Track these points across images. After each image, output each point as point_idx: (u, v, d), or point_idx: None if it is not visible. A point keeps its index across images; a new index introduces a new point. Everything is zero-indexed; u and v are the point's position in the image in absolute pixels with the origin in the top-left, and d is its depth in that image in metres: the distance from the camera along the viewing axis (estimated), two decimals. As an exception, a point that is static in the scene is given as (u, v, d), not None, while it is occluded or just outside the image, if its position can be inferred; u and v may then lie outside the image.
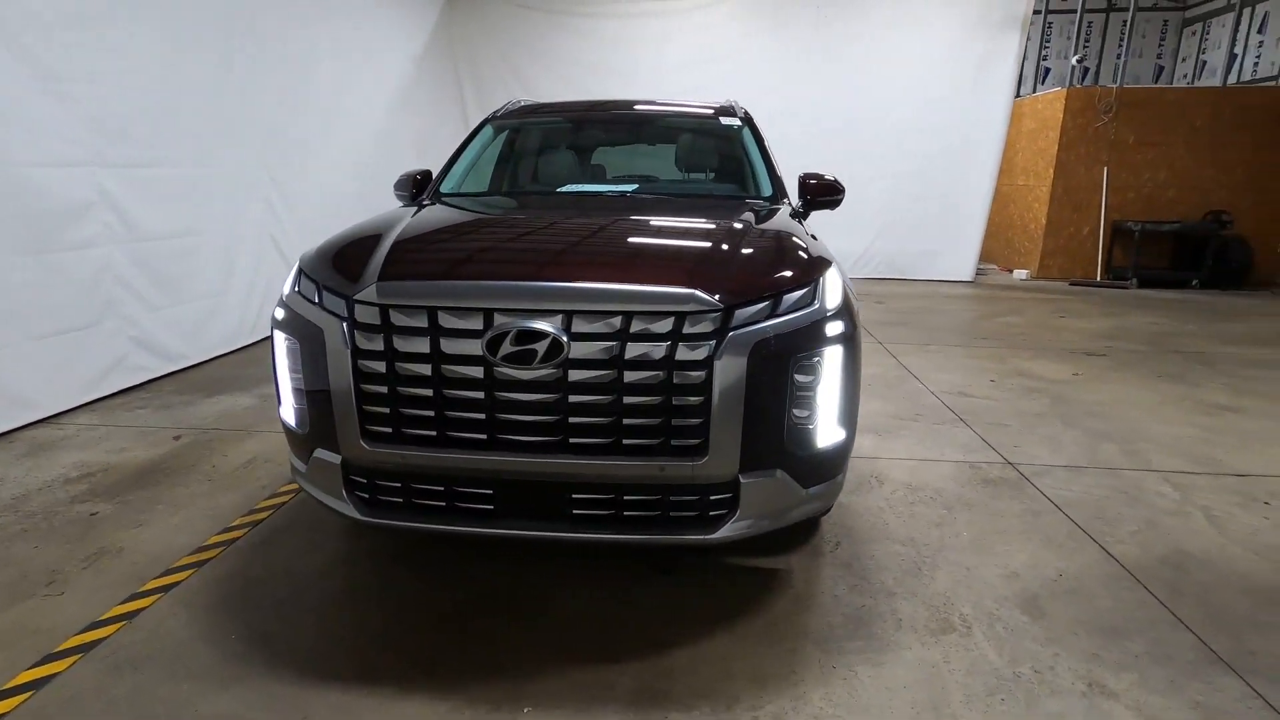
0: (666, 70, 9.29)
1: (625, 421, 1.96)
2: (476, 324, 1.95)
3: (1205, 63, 10.74)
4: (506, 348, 1.92)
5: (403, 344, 2.00)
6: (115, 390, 4.41)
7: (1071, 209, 9.39)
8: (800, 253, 2.32)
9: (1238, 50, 9.71)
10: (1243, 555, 2.70)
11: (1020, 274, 9.92)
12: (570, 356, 1.92)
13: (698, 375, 1.93)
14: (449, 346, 1.97)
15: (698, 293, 1.96)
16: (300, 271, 2.31)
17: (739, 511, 2.05)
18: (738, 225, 2.54)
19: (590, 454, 1.99)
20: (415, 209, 2.98)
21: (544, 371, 1.93)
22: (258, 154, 5.75)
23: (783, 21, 9.14)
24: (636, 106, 4.02)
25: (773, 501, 2.11)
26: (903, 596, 2.41)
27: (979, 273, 9.73)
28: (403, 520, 2.14)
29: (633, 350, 1.93)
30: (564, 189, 3.45)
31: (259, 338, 5.80)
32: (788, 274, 2.15)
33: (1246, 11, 9.68)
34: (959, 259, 9.39)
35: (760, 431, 2.01)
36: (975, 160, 9.03)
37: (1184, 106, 9.04)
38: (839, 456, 2.25)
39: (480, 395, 1.98)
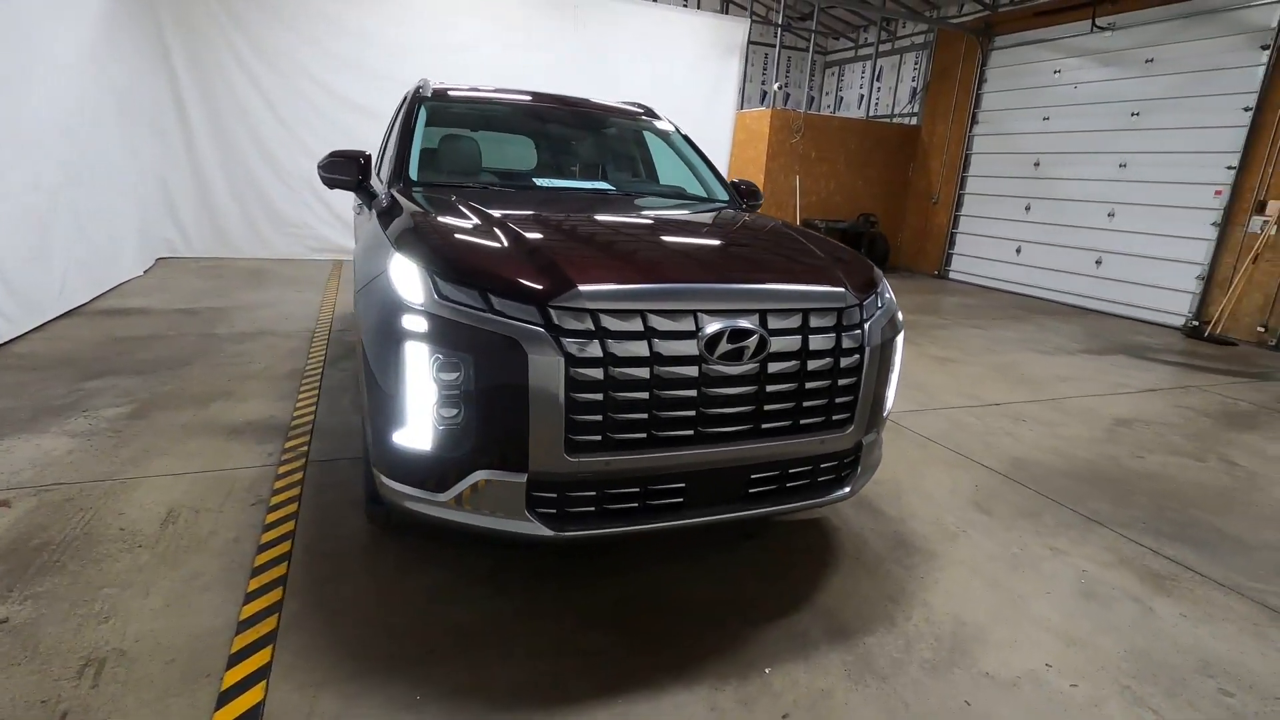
0: (418, 49, 8.79)
1: (804, 404, 2.25)
2: (689, 325, 2.04)
3: (843, 98, 14.04)
4: (723, 346, 2.05)
5: (618, 348, 1.97)
6: None
7: (776, 209, 11.52)
8: (856, 253, 2.82)
9: (864, 92, 12.93)
10: (1043, 456, 4.04)
11: (741, 262, 11.84)
12: (771, 351, 2.13)
13: (855, 359, 2.31)
14: (665, 348, 2.01)
15: (846, 290, 2.33)
16: (434, 274, 2.03)
17: (860, 469, 2.50)
18: (791, 229, 2.93)
19: (776, 436, 2.23)
20: (438, 199, 2.71)
21: (750, 366, 2.11)
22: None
23: (542, 26, 9.37)
24: (568, 102, 4.00)
25: (874, 457, 2.60)
26: (908, 520, 3.12)
27: (713, 261, 11.37)
28: (595, 529, 2.10)
29: (813, 341, 2.22)
30: (543, 183, 3.37)
31: (-25, 360, 4.18)
32: (871, 271, 2.63)
33: (869, 64, 12.94)
34: (701, 250, 10.85)
35: (877, 401, 2.47)
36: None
37: (843, 132, 11.77)
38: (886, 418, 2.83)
39: (694, 393, 2.07)
